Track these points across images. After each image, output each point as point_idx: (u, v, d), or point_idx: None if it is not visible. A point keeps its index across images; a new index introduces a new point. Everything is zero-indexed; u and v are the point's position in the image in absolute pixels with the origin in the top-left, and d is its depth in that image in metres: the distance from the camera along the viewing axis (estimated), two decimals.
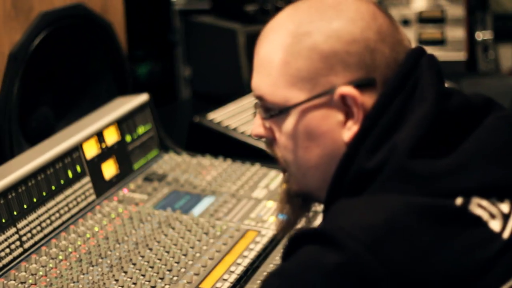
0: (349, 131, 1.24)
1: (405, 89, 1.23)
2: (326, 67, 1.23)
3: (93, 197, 1.93)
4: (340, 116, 1.24)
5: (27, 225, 1.73)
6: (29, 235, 1.73)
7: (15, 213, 1.71)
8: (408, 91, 1.23)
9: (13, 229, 1.69)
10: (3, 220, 1.67)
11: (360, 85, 1.23)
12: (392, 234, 1.10)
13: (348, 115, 1.24)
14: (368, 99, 1.23)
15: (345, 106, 1.24)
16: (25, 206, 1.74)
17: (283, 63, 1.25)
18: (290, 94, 1.26)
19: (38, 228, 1.76)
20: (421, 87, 1.23)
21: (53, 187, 1.82)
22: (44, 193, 1.79)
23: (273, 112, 1.28)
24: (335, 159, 1.24)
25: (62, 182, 1.85)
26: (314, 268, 1.09)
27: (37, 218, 1.76)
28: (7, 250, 1.66)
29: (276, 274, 1.15)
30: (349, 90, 1.22)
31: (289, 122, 1.27)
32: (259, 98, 1.30)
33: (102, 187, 1.98)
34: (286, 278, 1.12)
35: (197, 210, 1.94)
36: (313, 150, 1.27)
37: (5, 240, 1.66)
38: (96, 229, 1.82)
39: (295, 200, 1.36)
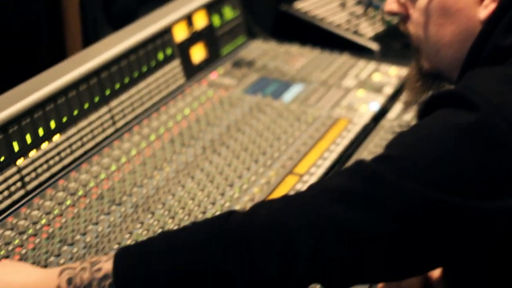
0: (486, 9, 1.20)
1: None
2: None
3: (182, 80, 1.90)
4: None
5: (119, 104, 1.71)
6: (120, 114, 1.71)
7: (107, 92, 1.69)
8: None
9: (106, 108, 1.68)
10: (96, 100, 1.66)
11: None
12: None
13: None
14: None
15: None
16: (117, 86, 1.72)
17: None
18: None
19: (130, 108, 1.74)
20: None
21: (144, 68, 1.80)
22: (135, 74, 1.77)
23: None
24: (469, 37, 1.21)
25: (153, 63, 1.82)
26: (447, 129, 1.08)
27: (128, 98, 1.74)
28: (100, 129, 1.65)
29: (409, 131, 1.13)
30: None
31: None
32: None
33: (191, 70, 1.94)
34: (419, 134, 1.11)
35: (287, 96, 1.91)
36: (447, 27, 1.23)
37: (98, 118, 1.65)
38: (186, 112, 1.80)
39: (426, 79, 1.33)
